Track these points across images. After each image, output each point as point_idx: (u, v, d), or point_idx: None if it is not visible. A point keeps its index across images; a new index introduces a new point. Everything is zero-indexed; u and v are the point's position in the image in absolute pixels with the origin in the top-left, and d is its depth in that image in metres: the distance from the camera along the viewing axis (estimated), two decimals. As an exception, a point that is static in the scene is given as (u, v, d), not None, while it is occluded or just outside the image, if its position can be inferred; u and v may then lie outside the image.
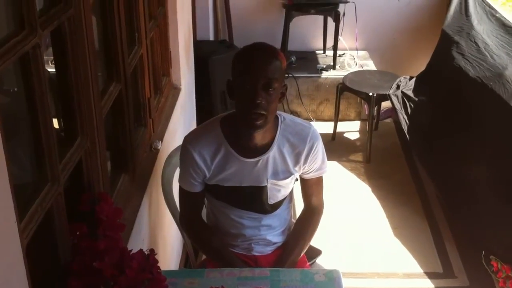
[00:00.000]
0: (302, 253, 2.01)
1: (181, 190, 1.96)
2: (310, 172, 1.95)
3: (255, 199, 1.92)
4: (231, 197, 1.93)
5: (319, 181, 2.00)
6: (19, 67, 1.21)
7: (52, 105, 1.41)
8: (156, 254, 1.46)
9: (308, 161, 1.90)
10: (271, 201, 1.94)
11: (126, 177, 1.99)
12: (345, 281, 1.76)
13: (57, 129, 1.49)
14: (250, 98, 1.69)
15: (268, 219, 1.99)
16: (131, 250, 1.45)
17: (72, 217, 1.42)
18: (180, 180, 1.94)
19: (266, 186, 1.89)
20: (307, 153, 1.88)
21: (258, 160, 1.85)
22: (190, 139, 1.88)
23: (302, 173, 1.95)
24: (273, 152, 1.85)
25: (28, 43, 1.16)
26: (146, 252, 1.45)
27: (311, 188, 2.01)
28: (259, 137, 1.82)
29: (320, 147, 1.91)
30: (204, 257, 2.16)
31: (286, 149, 1.87)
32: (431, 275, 3.02)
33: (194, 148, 1.84)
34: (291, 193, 2.03)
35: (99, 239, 1.40)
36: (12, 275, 1.04)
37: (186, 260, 2.94)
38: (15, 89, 1.42)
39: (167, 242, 2.57)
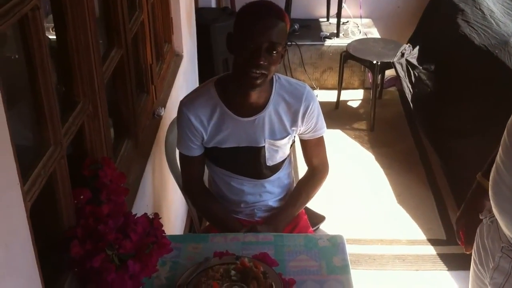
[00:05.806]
0: (300, 209, 2.02)
1: (181, 155, 1.95)
2: (308, 133, 1.94)
3: (253, 161, 1.92)
4: (230, 161, 1.93)
5: (319, 142, 1.99)
6: (18, 30, 1.19)
7: (54, 72, 1.39)
8: (160, 218, 1.46)
9: (305, 121, 1.89)
10: (270, 162, 1.93)
11: (129, 143, 1.98)
12: (348, 248, 1.76)
13: (59, 93, 1.48)
14: (252, 59, 1.67)
15: (268, 185, 1.99)
16: (135, 215, 1.45)
17: (75, 183, 1.42)
18: (178, 145, 1.94)
19: (264, 146, 1.88)
20: (303, 112, 1.87)
21: (255, 119, 1.84)
22: (185, 102, 1.87)
23: (301, 134, 1.95)
24: (269, 111, 1.85)
25: (27, 4, 1.14)
26: (150, 216, 1.45)
27: (311, 150, 2.00)
28: (255, 96, 1.81)
29: (316, 107, 1.90)
30: (208, 223, 2.17)
31: (282, 108, 1.86)
32: (434, 242, 3.03)
33: (190, 110, 1.84)
34: (289, 156, 2.03)
35: (103, 204, 1.40)
36: (16, 237, 1.04)
37: (191, 227, 2.95)
38: (16, 56, 1.40)
39: (172, 208, 2.58)
